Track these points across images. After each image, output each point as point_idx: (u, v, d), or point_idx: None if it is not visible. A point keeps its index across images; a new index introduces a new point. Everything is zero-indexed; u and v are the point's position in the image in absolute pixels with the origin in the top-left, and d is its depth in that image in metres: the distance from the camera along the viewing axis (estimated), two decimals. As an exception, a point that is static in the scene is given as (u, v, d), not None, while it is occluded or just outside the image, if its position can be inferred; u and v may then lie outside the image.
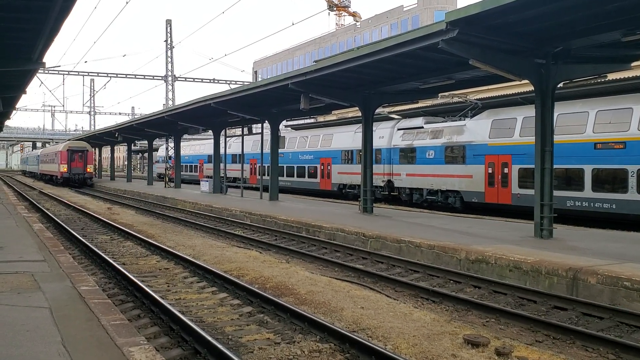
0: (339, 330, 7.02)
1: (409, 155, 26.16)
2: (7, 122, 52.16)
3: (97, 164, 66.44)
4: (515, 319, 8.18)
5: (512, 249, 11.58)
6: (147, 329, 7.39)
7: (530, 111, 19.18)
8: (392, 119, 28.83)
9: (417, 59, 14.89)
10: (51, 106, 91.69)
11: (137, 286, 9.32)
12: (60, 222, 18.86)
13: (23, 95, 24.65)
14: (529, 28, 12.11)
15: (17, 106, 31.06)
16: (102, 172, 67.31)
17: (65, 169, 48.01)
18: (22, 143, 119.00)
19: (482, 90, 24.75)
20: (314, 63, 18.57)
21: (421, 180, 25.36)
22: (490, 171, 21.80)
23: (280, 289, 9.64)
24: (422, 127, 25.89)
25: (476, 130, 22.73)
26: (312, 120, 40.87)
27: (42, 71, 33.08)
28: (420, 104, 28.64)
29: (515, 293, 9.64)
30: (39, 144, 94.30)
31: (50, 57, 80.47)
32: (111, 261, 11.52)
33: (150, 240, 14.86)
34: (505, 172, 21.17)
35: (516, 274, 10.42)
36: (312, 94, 19.24)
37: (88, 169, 49.29)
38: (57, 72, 65.33)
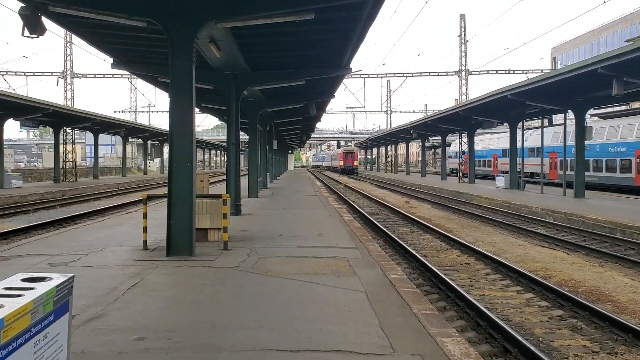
0: (675, 348, 6.05)
1: None
2: (317, 124, 59.08)
3: (394, 158, 71.24)
4: None
5: None
6: (454, 322, 7.44)
7: None
8: None
9: None
10: (352, 108, 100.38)
11: (440, 279, 9.50)
12: (365, 214, 20.45)
13: (332, 99, 27.38)
14: None
15: (326, 109, 34.62)
16: (398, 168, 70.97)
17: (342, 164, 77.22)
18: (328, 142, 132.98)
19: None
20: (628, 43, 16.40)
21: None
22: None
23: (594, 294, 8.77)
24: None
25: None
26: (624, 107, 36.25)
27: (347, 76, 36.40)
28: None
29: None
30: (342, 143, 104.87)
31: (353, 63, 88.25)
32: (414, 252, 11.98)
33: (448, 235, 15.02)
34: None
35: None
36: (627, 77, 17.04)
37: (355, 164, 77.73)
38: (358, 76, 71.38)
